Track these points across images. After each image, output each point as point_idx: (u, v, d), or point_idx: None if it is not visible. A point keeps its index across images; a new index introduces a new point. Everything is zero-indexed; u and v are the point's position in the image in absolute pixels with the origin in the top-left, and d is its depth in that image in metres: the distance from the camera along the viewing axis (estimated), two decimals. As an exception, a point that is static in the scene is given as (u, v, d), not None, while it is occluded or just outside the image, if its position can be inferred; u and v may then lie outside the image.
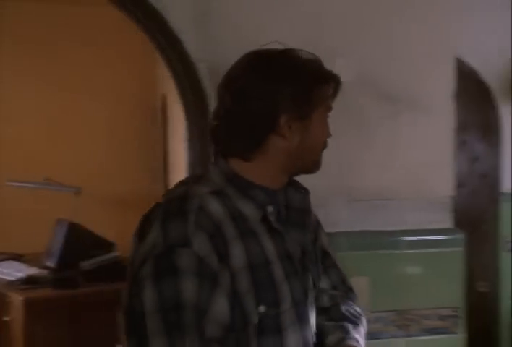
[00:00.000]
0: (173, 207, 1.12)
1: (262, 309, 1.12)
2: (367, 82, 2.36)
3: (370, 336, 2.14)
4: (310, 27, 2.30)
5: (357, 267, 2.25)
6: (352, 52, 2.33)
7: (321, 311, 1.33)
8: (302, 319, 1.21)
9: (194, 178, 1.27)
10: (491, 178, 2.75)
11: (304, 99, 1.17)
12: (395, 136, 2.40)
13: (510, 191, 2.75)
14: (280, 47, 1.22)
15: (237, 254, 1.10)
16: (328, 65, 1.20)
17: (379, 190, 2.35)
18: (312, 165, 1.27)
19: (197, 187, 1.16)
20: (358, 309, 1.39)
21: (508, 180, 2.75)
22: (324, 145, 1.25)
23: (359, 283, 2.07)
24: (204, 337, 1.04)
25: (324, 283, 1.38)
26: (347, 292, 1.42)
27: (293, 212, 1.26)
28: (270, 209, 1.18)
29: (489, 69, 2.69)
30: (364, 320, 1.39)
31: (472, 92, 2.71)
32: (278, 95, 1.15)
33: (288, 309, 1.17)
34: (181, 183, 1.23)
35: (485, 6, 2.58)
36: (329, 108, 1.24)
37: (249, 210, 1.15)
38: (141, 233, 1.14)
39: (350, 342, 1.27)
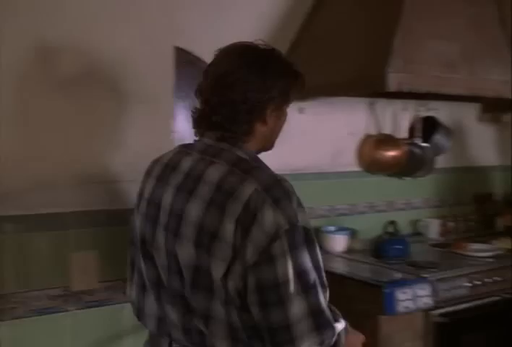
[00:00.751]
0: (279, 191, 1.27)
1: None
2: (95, 74, 2.46)
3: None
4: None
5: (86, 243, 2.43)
6: (78, 46, 2.40)
7: None
8: None
9: (244, 161, 1.35)
10: None
11: (286, 93, 1.42)
12: (123, 123, 2.54)
13: None
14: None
15: None
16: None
17: (108, 173, 2.49)
18: (271, 146, 1.53)
19: (271, 170, 1.36)
20: None
21: None
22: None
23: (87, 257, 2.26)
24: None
25: None
26: None
27: None
28: None
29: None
30: None
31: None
32: (271, 90, 1.37)
33: None
34: (247, 167, 1.33)
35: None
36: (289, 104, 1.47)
37: None
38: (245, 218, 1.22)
39: None
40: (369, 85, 2.54)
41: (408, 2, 2.55)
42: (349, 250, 3.14)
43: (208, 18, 2.82)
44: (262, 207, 1.22)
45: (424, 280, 2.60)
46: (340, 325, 1.36)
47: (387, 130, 3.46)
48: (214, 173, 1.30)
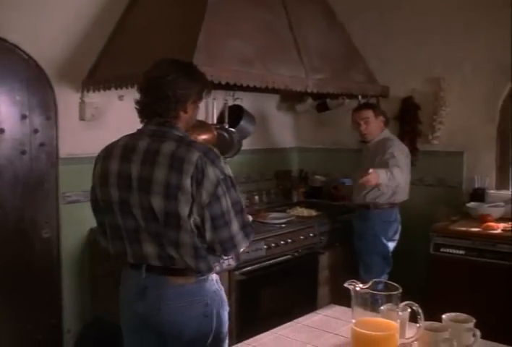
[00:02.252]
0: (213, 155, 1.71)
1: None
2: None
3: None
4: None
5: None
6: None
7: None
8: None
9: (183, 138, 1.76)
10: (49, 146, 3.03)
11: (200, 93, 1.85)
12: None
13: (65, 157, 3.08)
14: None
15: None
16: None
17: None
18: (189, 129, 1.88)
19: (203, 143, 1.86)
20: None
21: (64, 147, 3.08)
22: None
23: None
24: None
25: None
26: None
27: None
28: None
29: (46, 59, 2.95)
30: None
31: (31, 76, 2.93)
32: (194, 89, 1.81)
33: None
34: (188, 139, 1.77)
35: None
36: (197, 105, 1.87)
37: None
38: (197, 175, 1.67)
39: None
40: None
41: (211, 5, 2.72)
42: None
43: (26, 12, 2.72)
44: (206, 166, 1.67)
45: (228, 244, 2.79)
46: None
47: (200, 116, 3.61)
48: (167, 147, 1.72)
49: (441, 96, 3.74)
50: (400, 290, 1.36)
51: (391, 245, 3.37)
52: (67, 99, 3.07)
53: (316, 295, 3.39)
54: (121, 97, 3.20)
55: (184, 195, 1.67)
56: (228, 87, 2.91)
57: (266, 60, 2.94)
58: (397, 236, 3.41)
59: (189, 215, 1.69)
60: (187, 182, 1.66)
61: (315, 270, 3.39)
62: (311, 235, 3.33)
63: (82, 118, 3.12)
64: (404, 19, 3.89)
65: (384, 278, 3.38)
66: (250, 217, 1.96)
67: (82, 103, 3.11)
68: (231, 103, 3.69)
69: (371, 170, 2.98)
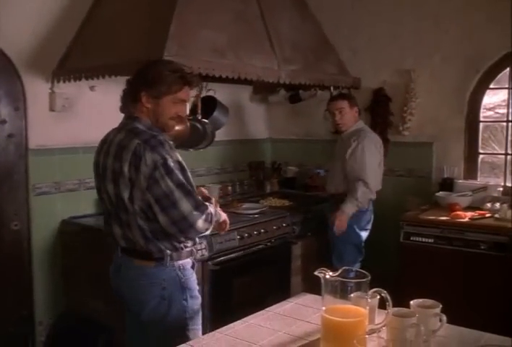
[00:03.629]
0: (155, 141, 1.82)
1: None
2: None
3: None
4: None
5: None
6: None
7: None
8: None
9: (137, 129, 1.90)
10: (18, 137, 2.97)
11: (151, 87, 1.93)
12: None
13: (35, 148, 3.02)
14: None
15: None
16: None
17: None
18: (162, 126, 1.97)
19: (154, 133, 1.89)
20: None
21: (34, 138, 3.01)
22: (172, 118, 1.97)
23: None
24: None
25: None
26: None
27: None
28: None
29: (13, 48, 2.88)
30: None
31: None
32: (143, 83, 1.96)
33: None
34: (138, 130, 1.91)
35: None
36: (177, 99, 1.95)
37: None
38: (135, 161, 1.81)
39: None
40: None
41: (183, -5, 2.67)
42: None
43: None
44: (144, 152, 1.78)
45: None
46: (211, 207, 1.92)
47: (173, 107, 3.58)
48: (118, 137, 1.90)
49: (411, 88, 3.78)
50: (369, 277, 1.38)
51: (364, 234, 3.40)
52: (36, 89, 3.00)
53: (289, 284, 3.42)
54: (92, 88, 3.15)
55: (123, 179, 1.83)
56: (201, 77, 2.89)
57: (238, 51, 2.93)
58: (369, 226, 3.44)
59: (131, 199, 1.84)
60: (125, 168, 1.81)
61: (288, 259, 3.41)
62: (284, 225, 3.34)
63: (52, 108, 3.06)
64: (376, 11, 3.92)
65: (356, 267, 3.42)
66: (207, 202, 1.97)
67: (52, 93, 3.05)
68: (204, 94, 3.65)
69: (337, 222, 3.22)
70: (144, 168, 1.78)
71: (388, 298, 1.41)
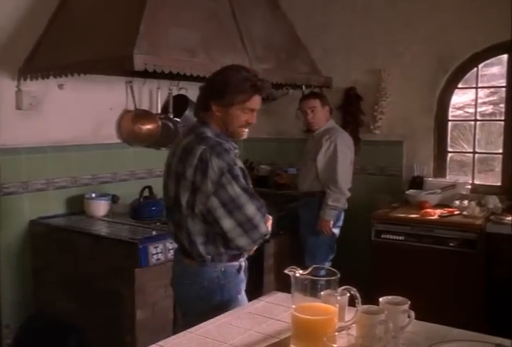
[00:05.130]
0: (220, 148, 1.84)
1: None
2: None
3: None
4: None
5: None
6: None
7: None
8: None
9: (204, 134, 1.91)
10: None
11: (221, 95, 1.92)
12: None
13: (1, 147, 2.93)
14: None
15: None
16: None
17: None
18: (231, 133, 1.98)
19: (220, 140, 1.90)
20: None
21: (0, 138, 2.93)
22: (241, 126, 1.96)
23: None
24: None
25: None
26: None
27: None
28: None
29: None
30: None
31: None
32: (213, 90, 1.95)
33: None
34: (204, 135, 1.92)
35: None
36: (246, 108, 1.93)
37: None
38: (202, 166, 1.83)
39: None
40: (118, 64, 2.59)
41: (153, -8, 2.64)
42: (111, 214, 3.20)
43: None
44: (210, 158, 1.82)
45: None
46: None
47: (144, 106, 3.56)
48: (186, 140, 1.91)
49: (382, 87, 3.82)
50: (339, 275, 1.38)
51: (336, 232, 3.43)
52: (2, 87, 2.94)
53: (262, 283, 3.41)
54: (61, 86, 3.10)
55: (184, 182, 1.86)
56: (172, 76, 2.87)
57: (210, 49, 2.92)
58: (340, 223, 3.47)
59: (189, 202, 1.88)
60: (189, 172, 1.84)
61: (261, 258, 3.40)
62: (256, 224, 3.33)
63: (18, 107, 3.00)
64: (347, 11, 3.94)
65: (328, 265, 3.44)
66: None
67: (19, 91, 2.99)
68: (175, 92, 3.64)
69: (323, 230, 3.31)
70: (211, 174, 1.82)
71: (357, 295, 1.42)
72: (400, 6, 3.75)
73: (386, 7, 3.80)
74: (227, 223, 1.85)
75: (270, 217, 2.10)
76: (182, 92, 3.66)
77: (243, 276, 2.06)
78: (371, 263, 3.37)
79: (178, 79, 3.46)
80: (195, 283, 1.97)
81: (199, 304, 1.95)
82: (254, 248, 2.01)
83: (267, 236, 1.98)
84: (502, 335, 1.46)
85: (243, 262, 2.06)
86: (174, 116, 3.58)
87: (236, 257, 2.00)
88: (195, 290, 1.97)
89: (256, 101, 1.96)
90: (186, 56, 2.75)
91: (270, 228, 2.05)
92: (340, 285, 1.42)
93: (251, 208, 1.85)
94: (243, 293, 2.05)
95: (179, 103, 3.64)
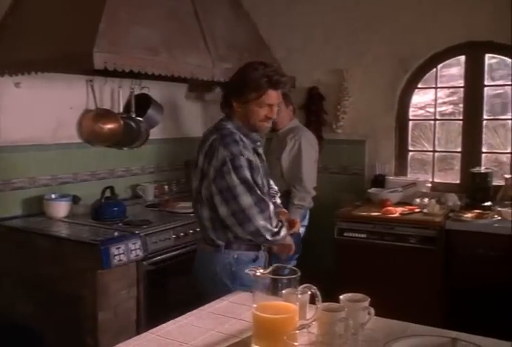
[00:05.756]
0: (229, 139, 1.96)
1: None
2: None
3: None
4: None
5: None
6: None
7: None
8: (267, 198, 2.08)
9: (222, 126, 2.04)
10: None
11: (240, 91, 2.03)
12: None
13: None
14: None
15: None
16: None
17: None
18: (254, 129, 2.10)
19: (233, 131, 2.01)
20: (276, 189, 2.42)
21: None
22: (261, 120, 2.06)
23: None
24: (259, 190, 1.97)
25: None
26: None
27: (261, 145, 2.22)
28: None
29: None
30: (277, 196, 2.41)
31: None
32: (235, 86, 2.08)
33: (265, 191, 2.09)
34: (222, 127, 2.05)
35: None
36: (263, 103, 2.02)
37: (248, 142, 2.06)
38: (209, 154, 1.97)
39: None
40: (77, 62, 2.56)
41: (113, -10, 2.61)
42: (72, 215, 3.14)
43: None
44: (217, 147, 1.94)
45: (135, 235, 2.76)
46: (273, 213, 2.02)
47: (105, 105, 3.51)
48: (205, 133, 2.08)
49: (344, 87, 3.87)
50: (299, 274, 1.39)
51: (301, 231, 3.45)
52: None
53: (226, 282, 3.40)
54: (17, 85, 3.02)
55: (197, 170, 2.02)
56: (134, 75, 2.84)
57: (172, 48, 2.90)
58: (306, 222, 3.50)
59: (198, 188, 2.02)
60: (201, 160, 1.99)
61: (225, 257, 3.39)
62: (220, 223, 3.33)
63: (-28, 106, 2.92)
64: (310, 12, 3.97)
65: (293, 264, 3.46)
66: (272, 205, 2.04)
67: (-27, 89, 2.91)
68: (137, 91, 3.60)
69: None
70: (215, 162, 1.93)
71: (318, 293, 1.43)
72: (361, 8, 3.80)
73: (348, 8, 3.84)
74: (223, 211, 1.95)
75: (291, 244, 2.16)
76: (145, 91, 3.63)
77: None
78: (334, 261, 3.41)
79: (140, 78, 3.42)
80: (209, 267, 2.09)
81: (213, 289, 2.03)
82: (264, 241, 2.03)
83: (279, 236, 2.01)
84: (460, 330, 1.51)
85: (261, 253, 2.14)
86: (137, 116, 3.54)
87: (252, 247, 2.09)
88: (209, 274, 2.09)
89: (272, 96, 2.03)
90: (148, 54, 2.73)
91: (289, 252, 2.16)
92: (304, 284, 1.43)
93: (246, 200, 1.92)
94: None
95: (142, 102, 3.61)
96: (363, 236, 3.33)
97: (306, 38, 4.00)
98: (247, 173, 1.95)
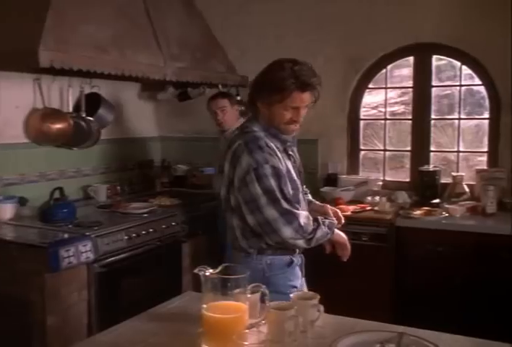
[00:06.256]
0: (254, 145, 1.85)
1: (291, 191, 1.90)
2: None
3: None
4: None
5: None
6: None
7: None
8: (302, 197, 2.04)
9: (247, 129, 1.95)
10: None
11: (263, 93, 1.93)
12: None
13: None
14: None
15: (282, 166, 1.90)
16: None
17: None
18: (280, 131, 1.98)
19: (260, 135, 1.89)
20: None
21: None
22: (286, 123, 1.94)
23: None
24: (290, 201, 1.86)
25: None
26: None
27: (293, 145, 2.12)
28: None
29: None
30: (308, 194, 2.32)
31: None
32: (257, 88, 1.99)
33: (299, 193, 1.98)
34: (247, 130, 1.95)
35: None
36: (287, 106, 1.90)
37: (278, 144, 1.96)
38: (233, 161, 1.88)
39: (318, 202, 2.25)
40: (22, 61, 2.49)
41: (59, -13, 2.55)
42: (18, 217, 3.05)
43: None
44: (241, 154, 1.84)
45: (86, 237, 2.70)
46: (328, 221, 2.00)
47: (54, 104, 3.42)
48: (232, 135, 2.02)
49: (297, 86, 3.89)
50: (248, 273, 1.40)
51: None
52: None
53: (180, 283, 3.39)
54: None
55: (223, 176, 1.95)
56: (84, 74, 2.79)
57: (122, 47, 2.86)
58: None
59: (226, 196, 1.95)
60: (226, 167, 1.91)
61: (178, 258, 3.38)
62: (173, 224, 3.31)
63: None
64: (261, 13, 3.99)
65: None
66: (304, 213, 1.93)
67: None
68: (88, 90, 3.53)
69: None
70: (239, 170, 1.85)
71: (267, 292, 1.45)
72: (313, 8, 3.84)
73: (299, 9, 3.88)
74: (250, 220, 1.88)
75: (343, 242, 2.09)
76: (95, 90, 3.56)
77: (297, 272, 2.02)
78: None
79: (90, 77, 3.35)
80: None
81: None
82: (298, 248, 1.98)
83: (313, 240, 1.91)
84: (410, 325, 1.54)
85: (297, 256, 2.02)
86: (87, 115, 3.47)
87: (286, 251, 1.97)
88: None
89: (298, 98, 1.89)
90: (97, 53, 2.69)
91: (321, 231, 1.93)
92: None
93: (269, 211, 1.82)
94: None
95: (93, 102, 3.54)
96: (316, 234, 3.35)
97: (259, 38, 4.01)
98: (272, 183, 1.83)
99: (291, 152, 2.05)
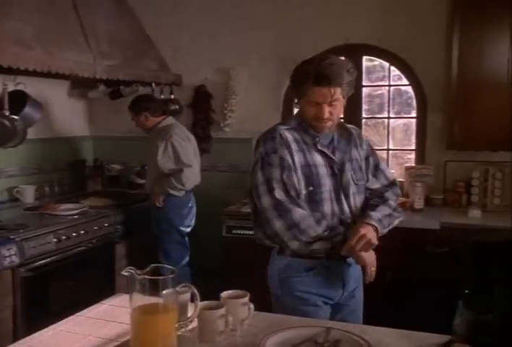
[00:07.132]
0: (266, 137, 1.89)
1: (310, 188, 1.85)
2: None
3: None
4: None
5: None
6: None
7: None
8: (337, 198, 1.89)
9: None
10: None
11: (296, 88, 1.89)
12: None
13: None
14: None
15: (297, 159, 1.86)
16: None
17: None
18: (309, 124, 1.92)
19: (282, 128, 1.90)
20: (390, 194, 2.04)
21: None
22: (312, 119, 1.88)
23: None
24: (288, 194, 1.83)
25: (376, 184, 2.04)
26: (390, 185, 2.08)
27: (339, 143, 1.96)
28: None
29: None
30: (391, 202, 2.01)
31: None
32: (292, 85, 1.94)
33: (326, 191, 1.87)
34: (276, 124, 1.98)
35: None
36: (309, 101, 1.84)
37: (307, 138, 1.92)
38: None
39: (366, 220, 1.87)
40: None
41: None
42: None
43: None
44: (258, 145, 1.90)
45: (10, 240, 2.60)
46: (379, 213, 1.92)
47: (-25, 102, 3.25)
48: None
49: (231, 85, 3.91)
50: (176, 273, 1.39)
51: (187, 230, 3.45)
52: None
53: (114, 285, 3.32)
54: None
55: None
56: (7, 70, 2.67)
57: (48, 43, 2.77)
58: (193, 222, 3.49)
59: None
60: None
61: (112, 259, 3.31)
62: (106, 225, 3.24)
63: None
64: (196, 11, 3.97)
65: (185, 262, 3.46)
66: (301, 211, 1.83)
67: None
68: (12, 88, 3.37)
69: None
70: (253, 159, 1.91)
71: (196, 292, 1.43)
72: (246, 7, 3.85)
73: (232, 8, 3.88)
74: (259, 206, 1.89)
75: (366, 237, 1.80)
76: (20, 87, 3.41)
77: (320, 280, 1.89)
78: (224, 258, 3.43)
79: (14, 74, 3.21)
80: (267, 270, 2.01)
81: (270, 291, 1.99)
82: (296, 247, 1.84)
83: (310, 247, 1.81)
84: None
85: (320, 263, 1.87)
86: (12, 113, 3.32)
87: (303, 255, 1.85)
88: (268, 277, 2.01)
89: (318, 94, 1.80)
90: (21, 49, 2.58)
91: (321, 244, 1.81)
92: (194, 283, 1.43)
93: (265, 200, 1.84)
94: (320, 303, 1.90)
95: (18, 100, 3.39)
96: (250, 232, 3.37)
97: (192, 36, 3.98)
98: (275, 172, 1.82)
99: (321, 148, 1.90)
